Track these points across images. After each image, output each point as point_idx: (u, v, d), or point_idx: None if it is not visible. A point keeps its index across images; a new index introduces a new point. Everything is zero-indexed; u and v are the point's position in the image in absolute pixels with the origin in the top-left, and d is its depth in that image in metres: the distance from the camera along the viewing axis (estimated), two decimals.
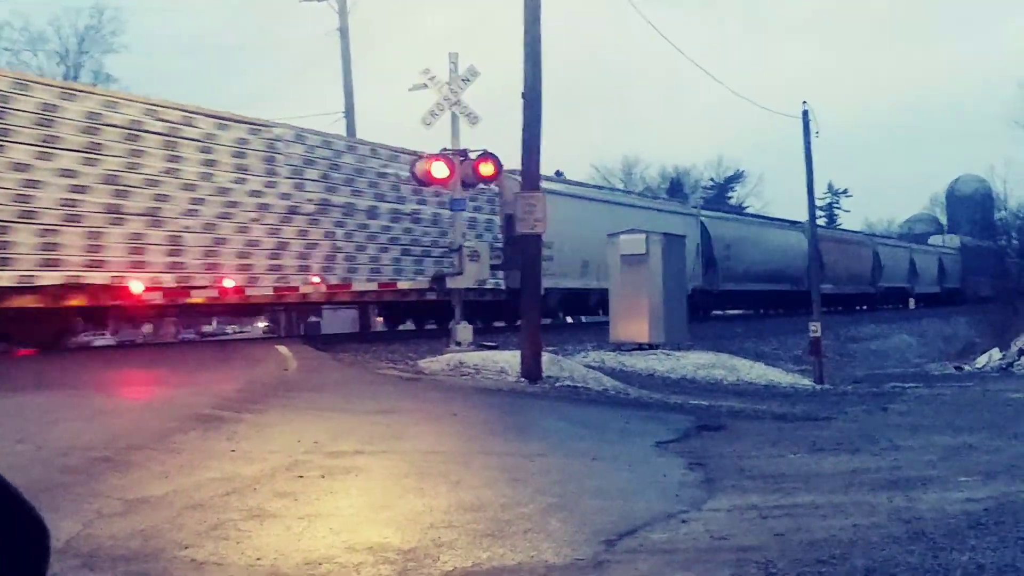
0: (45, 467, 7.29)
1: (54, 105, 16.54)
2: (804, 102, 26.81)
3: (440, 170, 18.00)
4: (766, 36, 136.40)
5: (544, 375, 15.20)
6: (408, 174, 20.08)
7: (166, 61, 77.42)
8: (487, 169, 17.90)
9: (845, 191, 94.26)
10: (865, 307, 56.77)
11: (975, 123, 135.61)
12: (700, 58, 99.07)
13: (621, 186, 72.77)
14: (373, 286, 21.24)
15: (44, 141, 16.35)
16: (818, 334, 23.62)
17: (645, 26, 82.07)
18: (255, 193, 19.98)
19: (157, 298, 17.75)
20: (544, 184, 20.57)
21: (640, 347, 21.55)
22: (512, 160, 17.04)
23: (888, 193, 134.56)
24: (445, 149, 18.35)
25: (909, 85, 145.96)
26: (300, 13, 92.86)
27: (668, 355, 20.93)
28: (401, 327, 27.74)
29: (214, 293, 18.59)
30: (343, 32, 31.73)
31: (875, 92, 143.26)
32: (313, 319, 39.51)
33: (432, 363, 16.06)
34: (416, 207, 23.82)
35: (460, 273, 18.53)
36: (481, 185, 20.59)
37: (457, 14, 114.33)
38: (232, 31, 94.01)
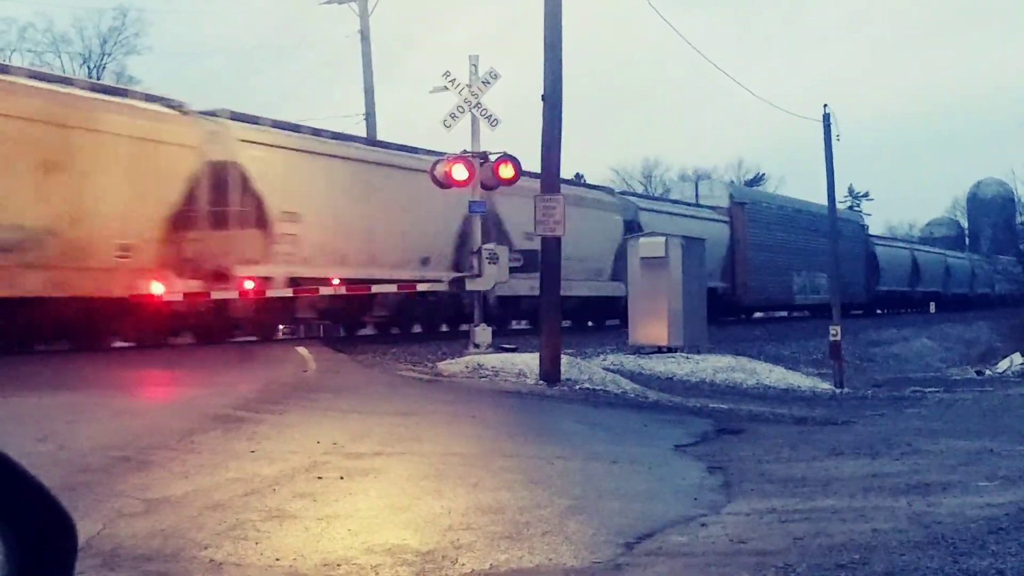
0: (66, 467, 7.33)
1: None
2: (825, 105, 26.58)
3: (460, 172, 17.99)
4: (788, 39, 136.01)
5: (563, 378, 15.20)
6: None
7: (187, 62, 77.97)
8: (507, 171, 17.90)
9: (866, 194, 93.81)
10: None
11: (998, 126, 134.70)
12: (722, 61, 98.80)
13: (641, 189, 72.59)
14: (393, 287, 21.27)
15: None
16: (838, 338, 23.52)
17: (667, 28, 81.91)
18: None
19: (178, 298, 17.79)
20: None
21: (659, 350, 21.53)
22: (533, 162, 17.07)
23: (910, 197, 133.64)
24: (465, 151, 18.36)
25: (931, 88, 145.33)
26: (321, 15, 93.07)
27: (687, 358, 20.90)
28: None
29: (234, 294, 18.64)
30: (364, 35, 31.79)
31: (897, 95, 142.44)
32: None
33: (451, 365, 16.07)
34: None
35: (479, 275, 18.54)
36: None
37: (485, 16, 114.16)
38: (253, 33, 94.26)
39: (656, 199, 43.99)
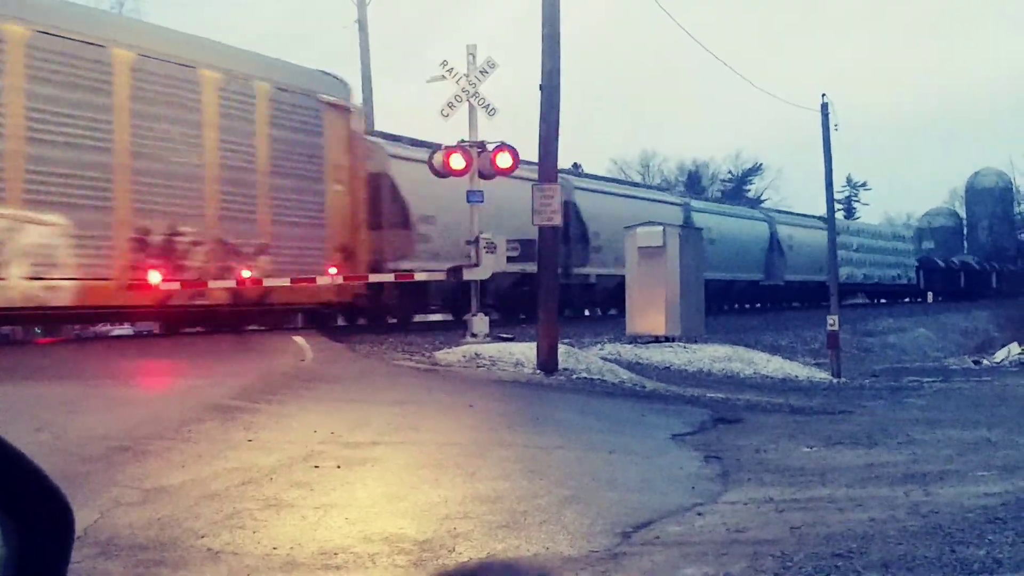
0: (64, 456, 7.33)
1: None
2: (823, 95, 26.54)
3: (457, 161, 17.99)
4: (788, 30, 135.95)
5: (560, 367, 15.20)
6: None
7: None
8: (504, 160, 17.88)
9: (864, 184, 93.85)
10: None
11: (997, 117, 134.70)
12: (723, 51, 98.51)
13: (639, 180, 72.63)
14: (390, 277, 21.25)
15: None
16: (835, 328, 23.53)
17: (666, 18, 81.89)
18: None
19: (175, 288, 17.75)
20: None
21: (657, 340, 21.53)
22: (531, 153, 16.98)
23: (909, 187, 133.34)
24: (463, 140, 18.34)
25: (930, 78, 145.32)
26: (322, 4, 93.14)
27: (685, 348, 20.90)
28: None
29: (232, 284, 18.61)
30: (361, 24, 31.73)
31: (896, 86, 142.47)
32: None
33: (448, 354, 16.07)
34: None
35: (477, 265, 18.52)
36: None
37: (492, 7, 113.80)
38: (255, 22, 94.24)
39: None
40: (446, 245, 22.67)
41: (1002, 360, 26.74)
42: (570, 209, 27.24)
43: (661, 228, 22.41)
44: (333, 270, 20.22)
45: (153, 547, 5.43)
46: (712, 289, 34.73)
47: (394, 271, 21.49)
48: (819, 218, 48.53)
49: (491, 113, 18.29)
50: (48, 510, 1.75)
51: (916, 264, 59.76)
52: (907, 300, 55.54)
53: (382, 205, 22.71)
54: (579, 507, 6.58)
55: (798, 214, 54.61)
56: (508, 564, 5.39)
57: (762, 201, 75.33)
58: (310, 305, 21.56)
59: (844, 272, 46.02)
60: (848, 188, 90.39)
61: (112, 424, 8.89)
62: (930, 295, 56.89)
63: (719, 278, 35.71)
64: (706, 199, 44.04)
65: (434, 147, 21.04)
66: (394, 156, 23.28)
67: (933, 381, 20.60)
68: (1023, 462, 8.60)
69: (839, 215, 52.57)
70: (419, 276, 21.21)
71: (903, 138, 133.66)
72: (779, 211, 48.65)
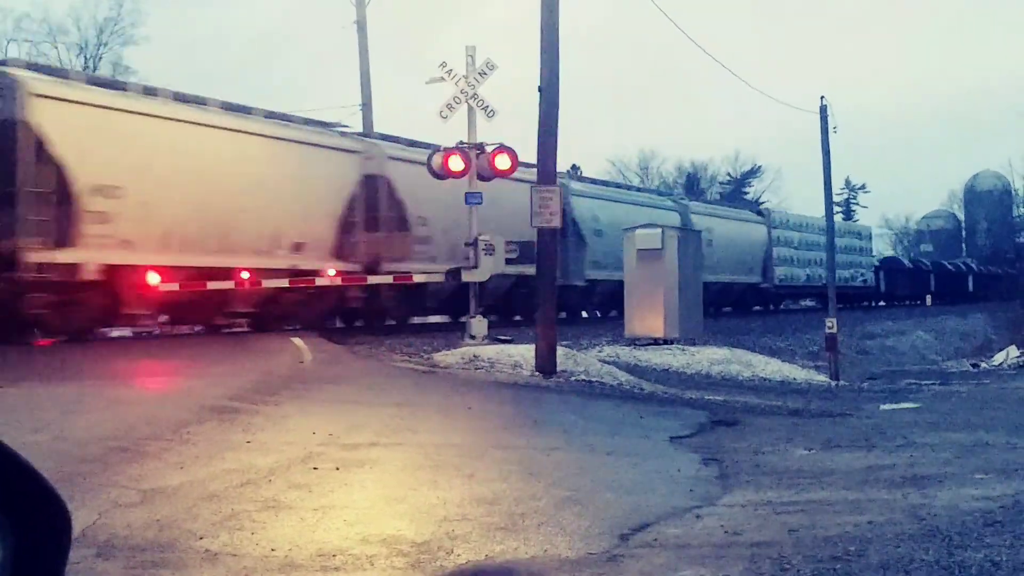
0: (62, 457, 7.32)
1: None
2: (822, 96, 26.53)
3: (456, 163, 18.01)
4: (787, 31, 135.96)
5: (559, 369, 15.20)
6: None
7: (185, 53, 77.77)
8: (503, 162, 17.90)
9: (863, 186, 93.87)
10: None
11: (997, 119, 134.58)
12: (722, 53, 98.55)
13: (637, 182, 72.64)
14: (388, 279, 21.26)
15: None
16: (834, 330, 23.53)
17: (665, 19, 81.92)
18: None
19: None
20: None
21: (655, 342, 21.53)
22: (530, 154, 17.00)
23: (907, 189, 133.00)
24: (462, 142, 18.35)
25: (929, 81, 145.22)
26: (320, 5, 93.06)
27: (683, 350, 20.90)
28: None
29: (231, 284, 18.62)
30: (360, 25, 31.67)
31: (896, 88, 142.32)
32: None
33: (447, 356, 16.07)
34: None
35: (475, 267, 18.54)
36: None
37: (493, 7, 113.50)
38: (254, 23, 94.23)
39: None
40: (137, 225, 17.28)
41: (1000, 363, 26.79)
42: (380, 184, 22.64)
43: (660, 230, 22.46)
44: (332, 271, 20.22)
45: (151, 548, 5.42)
46: (603, 292, 29.98)
47: (38, 264, 15.86)
48: (753, 209, 45.29)
49: (490, 115, 18.31)
50: (46, 512, 1.76)
51: (876, 265, 54.95)
52: (865, 304, 51.48)
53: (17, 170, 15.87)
54: (577, 509, 6.57)
55: (722, 204, 49.59)
56: (506, 566, 5.39)
57: (760, 203, 75.32)
58: None
59: (780, 272, 41.99)
60: (847, 191, 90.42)
61: (111, 425, 8.89)
62: (929, 298, 56.12)
63: (605, 278, 29.00)
64: (594, 182, 36.47)
65: (113, 84, 19.26)
66: (38, 95, 16.03)
67: (931, 384, 20.63)
68: (1021, 465, 8.60)
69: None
70: (418, 278, 21.21)
71: (902, 140, 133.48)
72: (697, 199, 43.92)
